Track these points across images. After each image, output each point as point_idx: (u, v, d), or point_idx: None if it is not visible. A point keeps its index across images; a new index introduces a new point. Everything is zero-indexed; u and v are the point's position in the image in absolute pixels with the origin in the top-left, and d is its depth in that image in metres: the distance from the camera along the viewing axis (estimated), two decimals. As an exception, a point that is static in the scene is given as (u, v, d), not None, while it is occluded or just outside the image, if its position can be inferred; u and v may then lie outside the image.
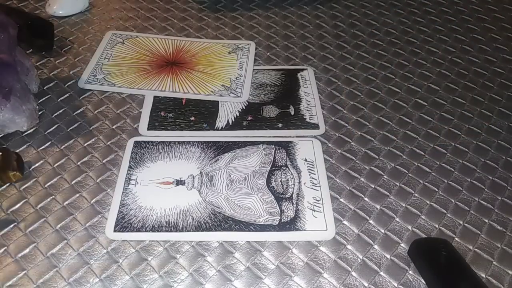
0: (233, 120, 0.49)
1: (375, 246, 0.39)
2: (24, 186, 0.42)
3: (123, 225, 0.39)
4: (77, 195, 0.42)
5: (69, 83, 0.52)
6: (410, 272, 0.37)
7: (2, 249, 0.38)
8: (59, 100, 0.50)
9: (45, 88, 0.52)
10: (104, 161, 0.44)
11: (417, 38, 0.61)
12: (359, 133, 0.48)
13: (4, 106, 0.43)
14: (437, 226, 0.40)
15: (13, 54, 0.46)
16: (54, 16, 0.61)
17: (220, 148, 0.46)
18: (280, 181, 0.43)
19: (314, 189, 0.42)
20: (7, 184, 0.42)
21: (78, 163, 0.44)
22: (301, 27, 0.62)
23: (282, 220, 0.40)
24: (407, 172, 0.45)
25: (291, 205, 0.41)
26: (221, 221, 0.40)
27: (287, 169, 0.44)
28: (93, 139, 0.46)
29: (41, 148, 0.45)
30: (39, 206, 0.41)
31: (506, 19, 0.65)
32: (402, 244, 0.39)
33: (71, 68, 0.54)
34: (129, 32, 0.60)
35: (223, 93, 0.51)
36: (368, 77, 0.55)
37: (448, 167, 0.45)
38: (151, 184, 0.42)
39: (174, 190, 0.42)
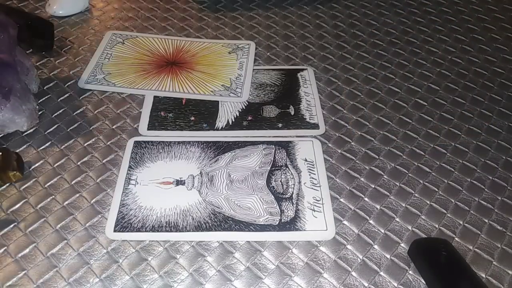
0: (233, 120, 0.49)
1: (375, 246, 0.39)
2: (24, 186, 0.42)
3: (123, 225, 0.39)
4: (77, 195, 0.42)
5: (69, 83, 0.52)
6: (410, 272, 0.37)
7: (2, 249, 0.38)
8: (59, 100, 0.50)
9: (45, 88, 0.52)
10: (104, 161, 0.44)
11: (417, 38, 0.61)
12: (359, 133, 0.48)
13: (4, 106, 0.43)
14: (437, 226, 0.40)
15: (13, 54, 0.46)
16: (54, 16, 0.61)
17: (220, 148, 0.46)
18: (280, 181, 0.43)
19: (314, 189, 0.42)
20: (7, 184, 0.42)
21: (78, 163, 0.44)
22: (301, 27, 0.62)
23: (282, 220, 0.40)
24: (407, 172, 0.45)
25: (291, 205, 0.41)
26: (221, 221, 0.40)
27: (287, 169, 0.44)
28: (93, 139, 0.46)
29: (41, 148, 0.45)
30: (39, 206, 0.41)
31: (506, 19, 0.65)
32: (402, 244, 0.39)
33: (71, 68, 0.54)
34: (129, 32, 0.60)
35: (223, 93, 0.51)
36: (368, 77, 0.55)
37: (448, 167, 0.45)
38: (151, 184, 0.42)
39: (174, 190, 0.42)
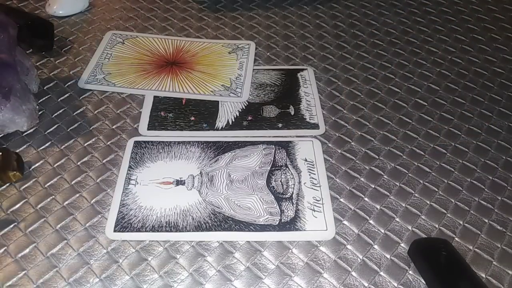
0: (233, 120, 0.49)
1: (375, 246, 0.39)
2: (24, 186, 0.42)
3: (123, 225, 0.39)
4: (77, 195, 0.42)
5: (69, 83, 0.52)
6: (410, 272, 0.37)
7: (2, 249, 0.38)
8: (59, 100, 0.50)
9: (45, 88, 0.52)
10: (104, 161, 0.44)
11: (417, 38, 0.61)
12: (359, 133, 0.48)
13: (4, 106, 0.43)
14: (437, 226, 0.40)
15: (13, 54, 0.46)
16: (54, 16, 0.61)
17: (220, 148, 0.46)
18: (280, 181, 0.43)
19: (314, 189, 0.42)
20: (7, 184, 0.42)
21: (78, 163, 0.44)
22: (301, 27, 0.62)
23: (282, 220, 0.40)
24: (407, 172, 0.45)
25: (291, 205, 0.41)
26: (221, 221, 0.40)
27: (287, 169, 0.44)
28: (93, 139, 0.46)
29: (41, 148, 0.45)
30: (39, 206, 0.41)
31: (506, 19, 0.65)
32: (402, 244, 0.39)
33: (71, 68, 0.54)
34: (129, 32, 0.60)
35: (223, 93, 0.51)
36: (368, 77, 0.55)
37: (448, 167, 0.45)
38: (151, 184, 0.42)
39: (174, 190, 0.42)
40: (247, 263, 0.37)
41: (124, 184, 0.42)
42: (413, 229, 0.40)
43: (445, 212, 0.41)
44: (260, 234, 0.39)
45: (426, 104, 0.52)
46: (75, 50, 0.57)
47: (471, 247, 0.39)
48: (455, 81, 0.55)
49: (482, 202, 0.42)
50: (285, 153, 0.45)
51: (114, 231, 0.39)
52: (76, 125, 0.48)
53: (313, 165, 0.44)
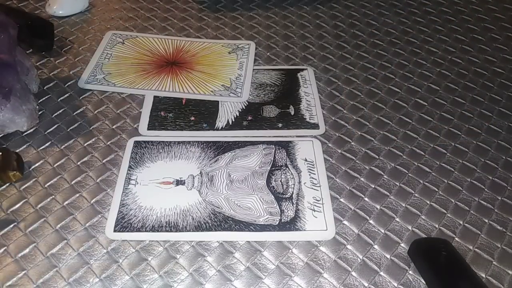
0: (233, 120, 0.49)
1: (375, 246, 0.39)
2: (24, 186, 0.42)
3: (123, 225, 0.39)
4: (77, 195, 0.42)
5: (69, 83, 0.52)
6: (410, 272, 0.37)
7: (2, 249, 0.38)
8: (59, 100, 0.50)
9: (45, 88, 0.52)
10: (104, 161, 0.44)
11: (417, 38, 0.61)
12: (359, 133, 0.48)
13: (4, 106, 0.43)
14: (437, 226, 0.40)
15: (13, 54, 0.46)
16: (54, 16, 0.61)
17: (220, 148, 0.46)
18: (280, 181, 0.43)
19: (314, 189, 0.42)
20: (7, 184, 0.42)
21: (78, 163, 0.44)
22: (301, 27, 0.62)
23: (282, 220, 0.40)
24: (407, 172, 0.45)
25: (291, 205, 0.41)
26: (221, 221, 0.40)
27: (287, 169, 0.44)
28: (93, 139, 0.46)
29: (41, 148, 0.45)
30: (39, 206, 0.41)
31: (506, 19, 0.65)
32: (402, 244, 0.39)
33: (71, 68, 0.54)
34: (129, 32, 0.60)
35: (223, 93, 0.51)
36: (368, 77, 0.55)
37: (448, 167, 0.45)
38: (151, 184, 0.42)
39: (174, 190, 0.42)
40: (247, 263, 0.37)
41: (124, 184, 0.42)
42: (413, 229, 0.40)
43: (445, 212, 0.41)
44: (260, 234, 0.39)
45: (426, 104, 0.52)
46: (75, 50, 0.57)
47: (471, 247, 0.39)
48: (455, 81, 0.55)
49: (482, 202, 0.42)
50: (285, 153, 0.45)
51: (114, 231, 0.39)
52: (76, 125, 0.48)
53: (313, 165, 0.44)
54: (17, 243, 0.38)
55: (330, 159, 0.45)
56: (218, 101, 0.51)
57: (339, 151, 0.46)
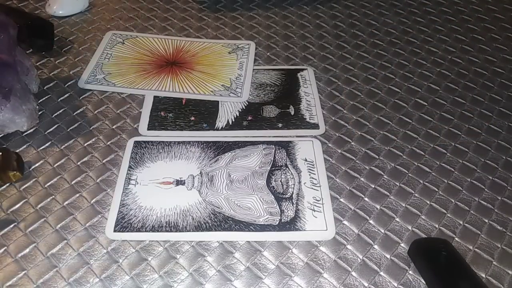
0: (233, 120, 0.49)
1: (375, 246, 0.39)
2: (24, 186, 0.42)
3: (123, 225, 0.39)
4: (77, 195, 0.42)
5: (69, 83, 0.52)
6: (410, 272, 0.37)
7: (2, 249, 0.38)
8: (59, 100, 0.50)
9: (45, 88, 0.52)
10: (104, 161, 0.44)
11: (417, 38, 0.61)
12: (359, 133, 0.48)
13: (4, 106, 0.43)
14: (437, 226, 0.40)
15: (13, 54, 0.46)
16: (54, 16, 0.61)
17: (220, 148, 0.46)
18: (280, 181, 0.43)
19: (314, 189, 0.42)
20: (7, 184, 0.42)
21: (78, 163, 0.44)
22: (301, 27, 0.62)
23: (282, 220, 0.40)
24: (407, 172, 0.45)
25: (291, 205, 0.41)
26: (221, 221, 0.40)
27: (287, 169, 0.44)
28: (93, 139, 0.46)
29: (41, 148, 0.45)
30: (39, 206, 0.41)
31: (506, 19, 0.65)
32: (402, 244, 0.39)
33: (71, 68, 0.54)
34: (129, 32, 0.60)
35: (223, 93, 0.51)
36: (368, 77, 0.55)
37: (448, 167, 0.45)
38: (151, 184, 0.42)
39: (174, 190, 0.42)
40: (247, 263, 0.37)
41: (124, 184, 0.42)
42: (413, 229, 0.40)
43: (445, 212, 0.41)
44: (260, 234, 0.39)
45: (426, 104, 0.52)
46: (75, 50, 0.57)
47: (471, 247, 0.39)
48: (455, 81, 0.55)
49: (482, 202, 0.42)
50: (285, 153, 0.45)
51: (114, 231, 0.39)
52: (76, 125, 0.48)
53: (313, 165, 0.44)
54: (17, 243, 0.38)
55: (330, 159, 0.45)
56: (218, 101, 0.51)
57: (339, 151, 0.46)
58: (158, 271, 0.37)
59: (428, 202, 0.42)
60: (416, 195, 0.43)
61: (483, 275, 0.37)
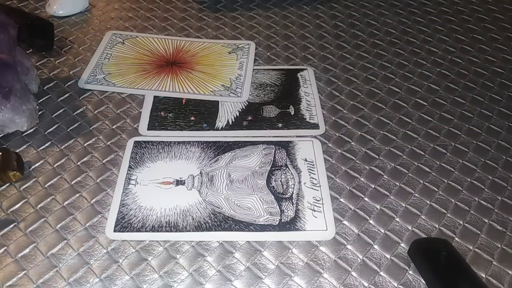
0: (233, 120, 0.49)
1: (375, 246, 0.39)
2: (24, 186, 0.42)
3: (123, 225, 0.39)
4: (77, 195, 0.42)
5: (69, 83, 0.52)
6: (410, 272, 0.37)
7: (2, 249, 0.38)
8: (59, 100, 0.50)
9: (45, 88, 0.52)
10: (104, 161, 0.44)
11: (417, 38, 0.61)
12: (359, 133, 0.48)
13: (4, 106, 0.43)
14: (437, 226, 0.40)
15: (13, 54, 0.46)
16: (54, 16, 0.61)
17: (220, 148, 0.46)
18: (280, 181, 0.43)
19: (314, 189, 0.42)
20: (7, 184, 0.42)
21: (78, 163, 0.44)
22: (301, 27, 0.62)
23: (282, 220, 0.40)
24: (407, 172, 0.45)
25: (291, 205, 0.41)
26: (221, 221, 0.40)
27: (287, 169, 0.44)
28: (93, 139, 0.46)
29: (41, 148, 0.45)
30: (39, 206, 0.41)
31: (506, 19, 0.65)
32: (402, 244, 0.39)
33: (71, 68, 0.54)
34: (129, 32, 0.60)
35: (223, 93, 0.51)
36: (368, 77, 0.55)
37: (448, 167, 0.45)
38: (151, 184, 0.42)
39: (174, 190, 0.42)
40: (247, 263, 0.37)
41: (124, 184, 0.42)
42: (413, 229, 0.40)
43: (445, 212, 0.41)
44: (260, 234, 0.39)
45: (426, 104, 0.52)
46: (75, 50, 0.57)
47: (471, 247, 0.39)
48: (455, 81, 0.55)
49: (482, 202, 0.42)
50: (285, 153, 0.45)
51: (114, 231, 0.39)
52: (76, 125, 0.48)
53: (313, 165, 0.44)
54: (17, 243, 0.38)
55: (330, 159, 0.45)
56: (218, 101, 0.51)
57: (339, 151, 0.46)
58: (158, 271, 0.37)
59: (428, 202, 0.42)
60: (416, 195, 0.43)
61: (483, 275, 0.37)
